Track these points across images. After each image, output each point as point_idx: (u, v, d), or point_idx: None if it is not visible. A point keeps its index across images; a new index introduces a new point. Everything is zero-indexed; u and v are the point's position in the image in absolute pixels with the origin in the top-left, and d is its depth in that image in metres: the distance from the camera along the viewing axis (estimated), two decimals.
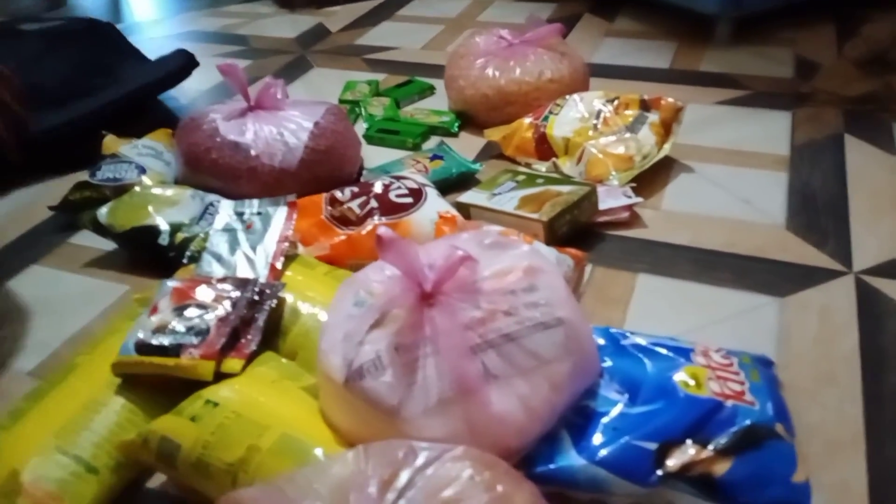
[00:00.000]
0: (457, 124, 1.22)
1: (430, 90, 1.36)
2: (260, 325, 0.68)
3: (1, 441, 0.60)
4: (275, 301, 0.70)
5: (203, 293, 0.70)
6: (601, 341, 0.67)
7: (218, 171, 0.98)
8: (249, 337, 0.67)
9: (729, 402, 0.60)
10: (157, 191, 0.94)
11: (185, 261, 0.86)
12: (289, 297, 0.73)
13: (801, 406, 0.68)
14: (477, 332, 0.57)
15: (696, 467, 0.57)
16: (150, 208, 0.91)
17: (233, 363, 0.64)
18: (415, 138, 1.18)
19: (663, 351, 0.66)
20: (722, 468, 0.57)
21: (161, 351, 0.64)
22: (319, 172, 1.00)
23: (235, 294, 0.70)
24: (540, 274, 0.62)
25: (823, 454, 0.63)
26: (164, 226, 0.89)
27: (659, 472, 0.57)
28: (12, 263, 0.95)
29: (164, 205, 0.92)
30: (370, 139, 1.20)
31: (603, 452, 0.58)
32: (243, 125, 1.00)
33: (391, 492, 0.45)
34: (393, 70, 1.47)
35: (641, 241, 0.92)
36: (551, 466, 0.58)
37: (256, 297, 0.70)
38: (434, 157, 1.09)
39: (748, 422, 0.59)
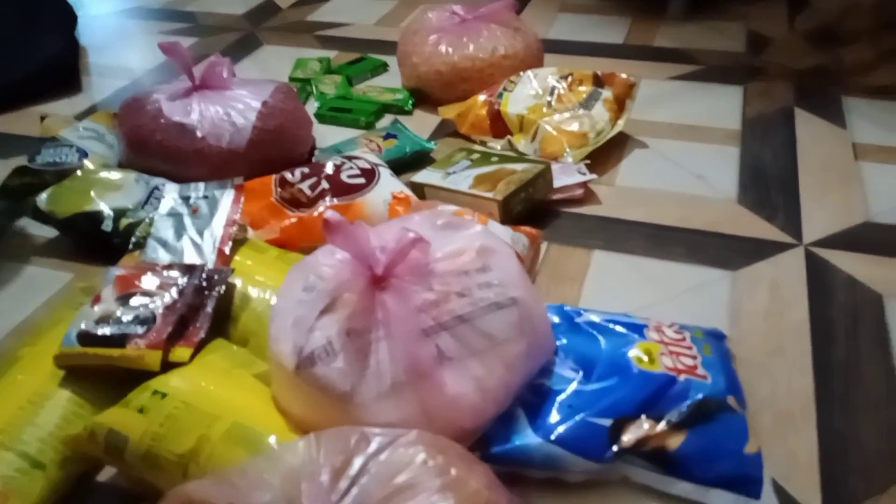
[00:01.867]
0: (411, 102, 1.20)
1: (384, 67, 1.34)
2: (208, 312, 0.66)
3: None
4: (223, 287, 0.69)
5: (148, 281, 0.68)
6: (556, 319, 0.67)
7: (164, 154, 0.95)
8: (198, 325, 0.65)
9: (682, 377, 0.61)
10: (100, 175, 0.90)
11: (130, 247, 0.83)
12: (238, 283, 0.72)
13: (752, 378, 0.69)
14: (430, 315, 0.57)
15: (651, 442, 0.58)
16: (93, 193, 0.87)
17: (181, 352, 0.63)
18: (368, 117, 1.15)
19: (617, 328, 0.66)
20: (675, 442, 0.58)
21: (105, 341, 0.62)
22: (269, 153, 0.98)
23: (182, 281, 0.68)
24: (493, 254, 0.61)
25: (774, 426, 0.65)
26: (107, 211, 0.86)
27: (614, 448, 0.58)
28: None
29: (108, 189, 0.88)
30: (322, 118, 1.18)
31: (559, 430, 0.58)
32: (188, 105, 0.96)
33: (343, 479, 0.44)
34: (345, 47, 1.44)
35: (596, 217, 0.93)
36: (507, 446, 0.58)
37: (204, 284, 0.68)
38: (388, 136, 1.07)
39: (700, 395, 0.60)
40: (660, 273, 0.83)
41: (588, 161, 0.98)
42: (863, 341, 0.73)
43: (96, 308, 0.65)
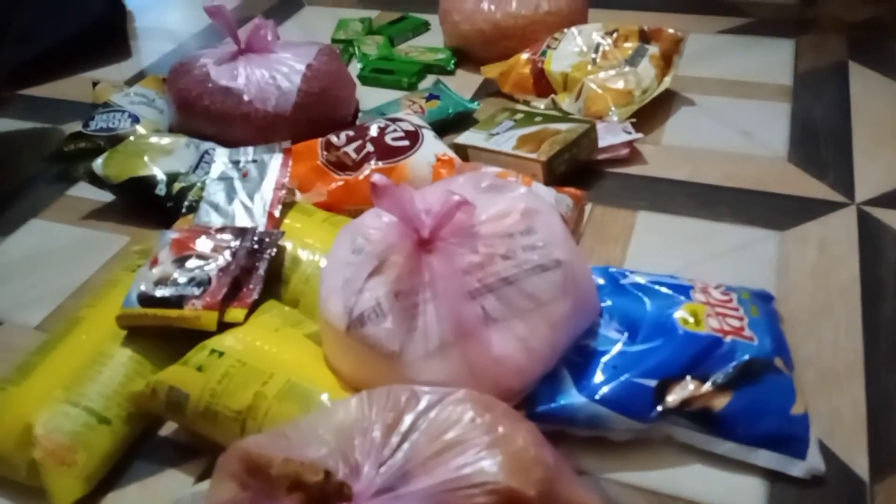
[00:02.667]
0: (453, 62, 1.19)
1: (425, 26, 1.33)
2: (261, 274, 0.68)
3: (12, 396, 0.61)
4: (275, 249, 0.70)
5: (203, 244, 0.70)
6: (600, 281, 0.68)
7: (211, 118, 0.97)
8: (251, 286, 0.67)
9: (728, 338, 0.61)
10: (152, 140, 0.93)
11: (183, 210, 0.85)
12: (288, 245, 0.73)
13: (797, 337, 0.68)
14: (475, 277, 0.58)
15: (696, 402, 0.58)
16: (146, 158, 0.90)
17: (236, 313, 0.65)
18: (410, 77, 1.15)
19: (663, 289, 0.66)
20: (721, 402, 0.58)
21: (164, 302, 0.65)
22: (314, 116, 0.99)
23: (235, 244, 0.70)
24: (537, 216, 0.62)
25: (818, 384, 0.64)
26: (160, 175, 0.88)
27: (658, 409, 0.58)
28: (11, 217, 0.95)
29: (160, 154, 0.91)
30: (365, 80, 1.18)
31: (603, 390, 0.59)
32: (234, 69, 0.98)
33: (395, 435, 0.46)
34: (386, 6, 1.43)
35: (641, 177, 0.92)
36: (553, 405, 0.59)
37: (256, 246, 0.70)
38: (430, 97, 1.07)
39: (747, 357, 0.60)
40: (705, 233, 0.82)
41: (634, 119, 0.97)
42: None
43: (154, 270, 0.68)
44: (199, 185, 0.87)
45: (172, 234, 0.71)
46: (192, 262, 0.68)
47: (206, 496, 0.55)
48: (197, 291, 0.65)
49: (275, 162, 0.81)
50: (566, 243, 0.62)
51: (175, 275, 0.67)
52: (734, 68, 1.13)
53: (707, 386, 0.59)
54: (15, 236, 0.92)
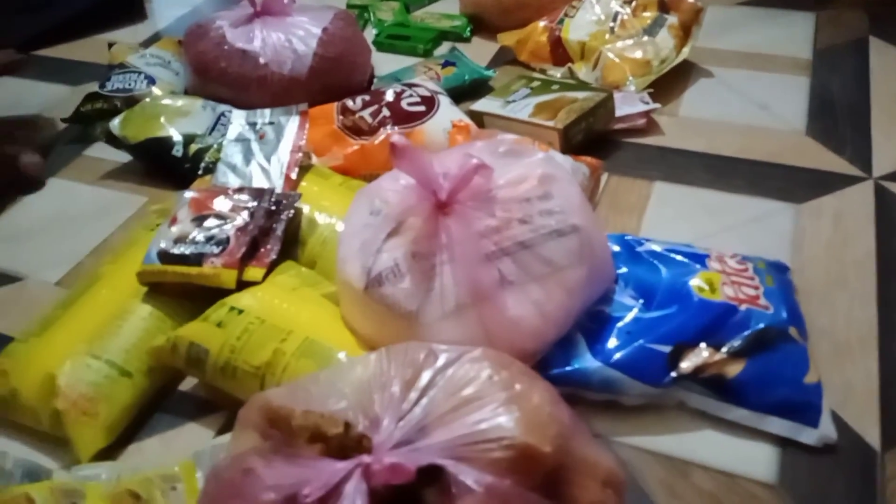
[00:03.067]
0: (469, 29, 1.18)
1: None
2: (279, 235, 0.69)
3: (34, 347, 0.63)
4: (292, 211, 0.71)
5: (221, 204, 0.70)
6: (616, 248, 0.68)
7: (227, 81, 0.97)
8: (269, 246, 0.68)
9: (743, 306, 0.61)
10: (168, 101, 0.93)
11: (200, 172, 0.86)
12: (305, 208, 0.74)
13: (812, 309, 0.68)
14: (492, 240, 0.58)
15: (709, 369, 0.59)
16: (163, 119, 0.90)
17: (254, 272, 0.66)
18: (426, 44, 1.15)
19: (678, 257, 0.66)
20: (734, 370, 0.59)
21: (183, 260, 0.65)
22: (330, 81, 0.99)
23: (252, 204, 0.70)
24: (554, 181, 0.62)
25: (832, 355, 0.65)
26: (177, 136, 0.89)
27: (672, 374, 0.59)
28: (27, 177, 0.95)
29: (176, 115, 0.91)
30: (380, 45, 1.18)
31: (618, 355, 0.59)
32: (251, 32, 0.97)
33: (413, 391, 0.47)
34: None
35: (657, 148, 0.92)
36: (567, 368, 0.60)
37: (273, 208, 0.70)
38: (446, 64, 1.06)
39: (761, 325, 0.60)
40: (721, 204, 0.82)
41: (651, 90, 0.97)
42: None
43: (173, 228, 0.68)
44: (215, 146, 0.87)
45: (191, 194, 0.72)
46: (210, 222, 0.69)
47: (226, 448, 0.56)
48: (216, 250, 0.66)
49: (291, 124, 0.81)
50: (583, 209, 0.62)
51: (194, 233, 0.68)
52: (753, 41, 1.12)
53: (721, 353, 0.59)
54: (34, 195, 0.92)
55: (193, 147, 0.88)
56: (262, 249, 0.68)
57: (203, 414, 0.63)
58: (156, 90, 0.99)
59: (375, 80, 1.07)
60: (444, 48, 1.16)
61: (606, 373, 0.59)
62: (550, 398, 0.47)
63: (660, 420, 0.60)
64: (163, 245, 0.66)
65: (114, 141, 0.90)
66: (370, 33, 1.20)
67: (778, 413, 0.58)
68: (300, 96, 0.94)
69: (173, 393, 0.66)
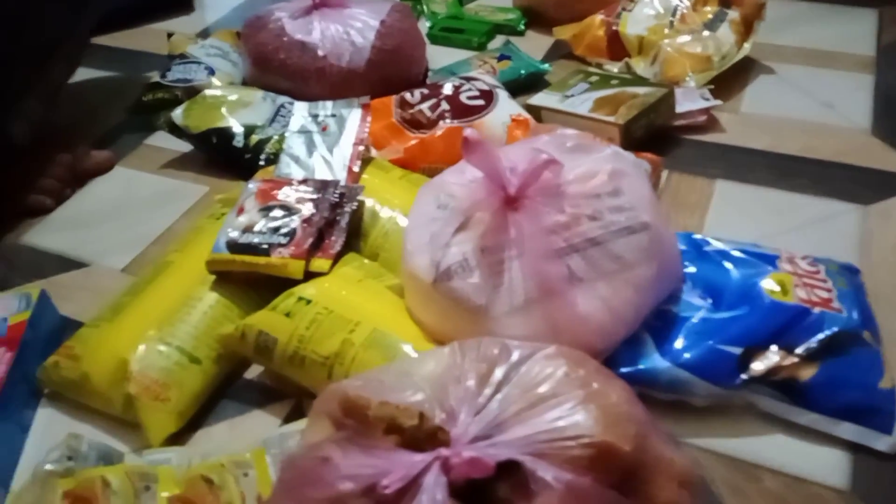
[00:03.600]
0: (523, 22, 1.18)
1: None
2: (343, 227, 0.69)
3: (106, 332, 0.64)
4: (355, 203, 0.71)
5: (286, 195, 0.71)
6: (683, 247, 0.67)
7: (286, 72, 0.98)
8: (333, 238, 0.69)
9: (816, 309, 0.60)
10: (228, 93, 0.94)
11: (261, 163, 0.87)
12: (367, 201, 0.74)
13: (882, 313, 0.67)
14: (561, 237, 0.58)
15: (781, 372, 0.58)
16: (224, 110, 0.91)
17: (320, 263, 0.66)
18: (480, 37, 1.14)
19: (748, 257, 0.65)
20: (807, 373, 0.58)
21: (252, 249, 0.66)
22: (387, 73, 0.99)
23: (317, 196, 0.71)
24: (624, 177, 0.61)
25: None
26: (237, 128, 0.90)
27: (742, 376, 0.58)
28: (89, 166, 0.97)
29: (237, 106, 0.92)
30: (434, 38, 1.18)
31: (686, 355, 0.59)
32: (310, 24, 0.98)
33: (488, 386, 0.47)
34: None
35: (718, 145, 0.90)
36: (635, 368, 0.59)
37: (337, 200, 0.71)
38: (502, 58, 1.06)
39: (835, 328, 0.59)
40: (785, 204, 0.81)
41: (711, 86, 0.95)
42: None
43: (241, 218, 0.69)
44: (275, 137, 0.88)
45: (257, 184, 0.73)
46: (276, 212, 0.69)
47: (294, 436, 0.57)
48: (283, 240, 0.66)
49: (353, 117, 0.81)
50: (653, 206, 0.61)
51: (261, 223, 0.68)
52: (815, 37, 1.10)
53: (793, 356, 0.58)
54: (98, 182, 0.94)
55: (254, 138, 0.89)
56: (328, 241, 0.68)
57: (269, 401, 0.64)
58: (215, 80, 1.00)
59: (430, 74, 1.07)
60: (497, 41, 1.16)
61: (675, 373, 0.59)
62: (627, 396, 0.47)
63: (727, 421, 0.60)
64: (231, 234, 0.67)
65: (176, 131, 0.92)
66: (423, 26, 1.20)
67: (850, 418, 0.57)
68: (358, 88, 0.95)
69: (240, 380, 0.67)
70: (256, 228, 0.68)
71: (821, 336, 0.59)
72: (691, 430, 0.59)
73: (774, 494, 0.55)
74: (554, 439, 0.44)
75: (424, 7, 1.25)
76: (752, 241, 0.73)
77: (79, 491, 0.52)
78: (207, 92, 0.95)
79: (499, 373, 0.48)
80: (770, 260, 0.65)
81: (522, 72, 1.03)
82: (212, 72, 1.01)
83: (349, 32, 0.98)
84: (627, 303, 0.58)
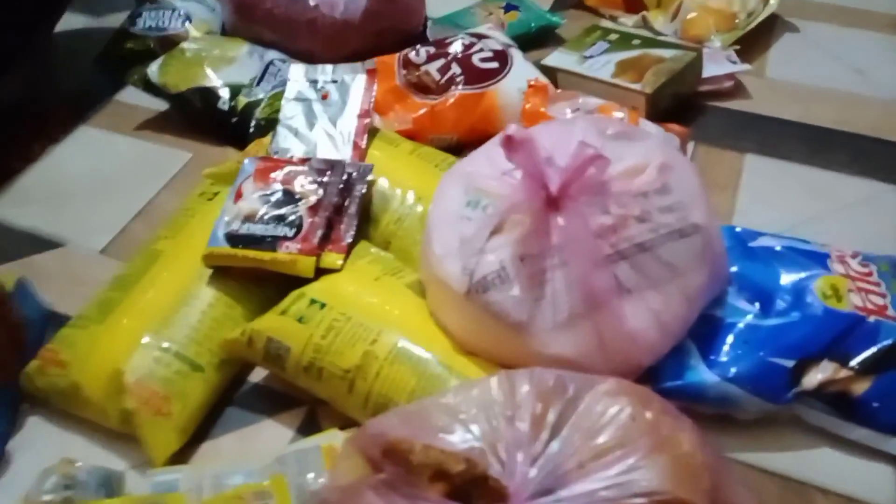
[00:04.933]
0: None
1: None
2: (353, 213, 0.63)
3: (97, 336, 0.57)
4: (365, 186, 0.64)
5: (288, 177, 0.63)
6: (727, 242, 0.62)
7: (273, 24, 0.88)
8: (343, 227, 0.62)
9: (871, 318, 0.56)
10: (210, 46, 0.84)
11: (251, 130, 0.78)
12: (377, 181, 0.67)
13: None
14: (608, 241, 0.52)
15: (834, 386, 0.54)
16: (206, 66, 0.82)
17: (332, 258, 0.60)
18: None
19: (797, 256, 0.61)
20: (861, 387, 0.54)
21: (254, 243, 0.59)
22: (384, 25, 0.90)
23: (323, 179, 0.63)
24: (673, 171, 0.56)
25: None
26: (222, 88, 0.81)
27: (794, 390, 0.54)
28: (59, 122, 0.87)
29: (221, 63, 0.83)
30: None
31: (735, 369, 0.55)
32: None
33: (544, 429, 0.42)
34: None
35: (746, 114, 0.84)
36: (680, 382, 0.55)
37: (345, 183, 0.64)
38: (508, 8, 0.97)
39: (891, 340, 0.55)
40: (822, 183, 0.76)
41: (737, 47, 0.88)
42: None
43: (240, 204, 0.62)
44: (265, 100, 0.79)
45: (253, 164, 0.65)
46: (278, 197, 0.62)
47: (313, 454, 0.52)
48: (290, 233, 0.60)
49: (357, 84, 0.73)
50: (703, 204, 0.56)
51: (262, 210, 0.61)
52: None
53: (847, 369, 0.55)
54: (66, 146, 0.84)
55: (242, 100, 0.80)
56: (337, 231, 0.62)
57: (280, 408, 0.59)
58: (191, 29, 0.89)
59: (430, 24, 0.98)
60: None
61: (724, 387, 0.54)
62: (698, 441, 0.43)
63: (773, 435, 0.56)
64: (231, 226, 0.60)
65: (152, 89, 0.82)
66: None
67: None
68: (353, 42, 0.86)
69: (245, 385, 0.61)
70: (258, 217, 0.61)
71: (876, 348, 0.55)
72: (736, 444, 0.56)
73: None
74: (623, 496, 0.39)
75: None
76: (790, 224, 0.69)
77: None
78: (185, 45, 0.85)
79: (553, 413, 0.43)
80: (821, 259, 0.60)
81: (532, 25, 0.94)
82: (188, 19, 0.90)
83: None
84: (678, 315, 0.54)
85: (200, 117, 0.82)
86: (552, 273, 0.52)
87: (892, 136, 0.81)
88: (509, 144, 0.50)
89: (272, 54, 0.85)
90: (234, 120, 0.80)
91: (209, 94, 0.80)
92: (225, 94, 0.80)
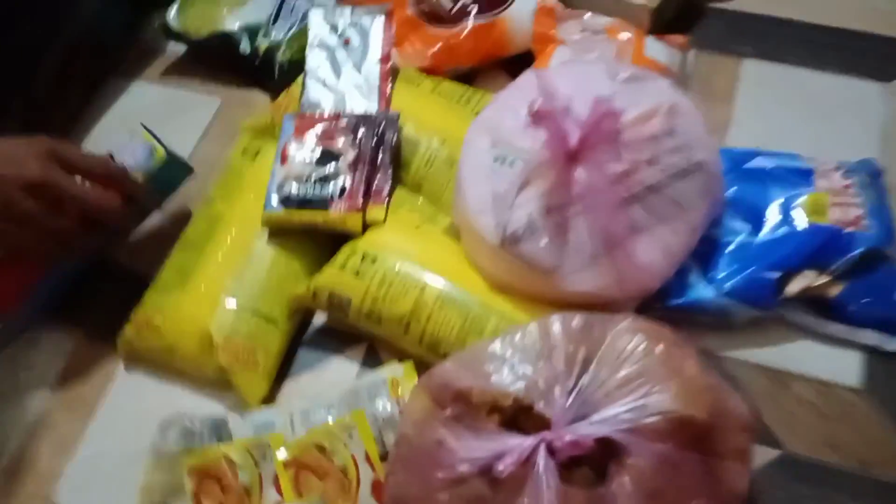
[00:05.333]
0: None
1: None
2: (387, 164, 0.70)
3: (180, 302, 0.66)
4: (395, 135, 0.70)
5: (326, 135, 0.70)
6: (725, 165, 0.69)
7: None
8: (380, 178, 0.69)
9: (848, 229, 0.65)
10: None
11: (275, 75, 0.82)
12: (405, 127, 0.73)
13: None
14: (623, 186, 0.60)
15: (812, 291, 0.64)
16: (223, 8, 0.84)
17: (376, 212, 0.67)
18: None
19: (786, 174, 0.68)
20: (835, 290, 0.64)
21: (307, 203, 0.67)
22: None
23: (358, 134, 0.70)
24: (679, 114, 0.63)
25: None
26: (240, 32, 0.84)
27: (780, 297, 0.64)
28: (83, 73, 0.90)
29: (235, 4, 0.85)
30: None
31: (731, 283, 0.64)
32: None
33: (576, 366, 0.52)
34: None
35: (745, 15, 0.87)
36: (684, 299, 0.65)
37: (379, 135, 0.70)
38: None
39: (863, 248, 0.64)
40: (813, 87, 0.81)
41: None
42: None
43: (287, 167, 0.68)
44: (285, 42, 0.83)
45: (292, 122, 0.71)
46: (320, 156, 0.69)
47: (380, 387, 0.63)
48: (337, 192, 0.67)
49: (376, 27, 0.76)
50: (706, 142, 0.63)
51: (308, 172, 0.68)
52: None
53: (824, 276, 0.64)
54: (99, 97, 0.89)
55: (262, 43, 0.83)
56: (375, 184, 0.69)
57: (344, 346, 0.69)
58: None
59: None
60: None
61: (721, 301, 0.64)
62: (700, 367, 0.53)
63: (762, 334, 0.67)
64: (284, 189, 0.67)
65: (173, 35, 0.85)
66: None
67: (870, 326, 0.65)
68: None
69: (310, 326, 0.71)
70: (307, 178, 0.68)
71: (850, 255, 0.64)
72: (730, 344, 0.66)
73: (805, 400, 0.64)
74: (641, 416, 0.50)
75: None
76: (781, 134, 0.76)
77: (205, 469, 0.58)
78: None
79: (582, 352, 0.53)
80: (807, 176, 0.68)
81: None
82: None
83: None
84: (684, 244, 0.62)
85: (224, 62, 0.86)
86: (574, 220, 0.60)
87: (879, 29, 0.84)
88: (539, 119, 0.56)
89: None
90: (258, 63, 0.84)
91: (230, 40, 0.84)
92: (244, 37, 0.83)
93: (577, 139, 0.59)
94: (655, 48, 0.77)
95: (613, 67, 0.64)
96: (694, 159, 0.61)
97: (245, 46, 0.83)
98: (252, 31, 0.84)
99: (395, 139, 0.70)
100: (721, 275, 0.65)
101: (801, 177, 0.68)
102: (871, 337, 0.65)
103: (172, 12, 0.84)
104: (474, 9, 0.81)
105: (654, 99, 0.62)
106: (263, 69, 0.83)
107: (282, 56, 0.82)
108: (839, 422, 0.63)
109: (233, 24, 0.84)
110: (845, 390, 0.64)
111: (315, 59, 0.76)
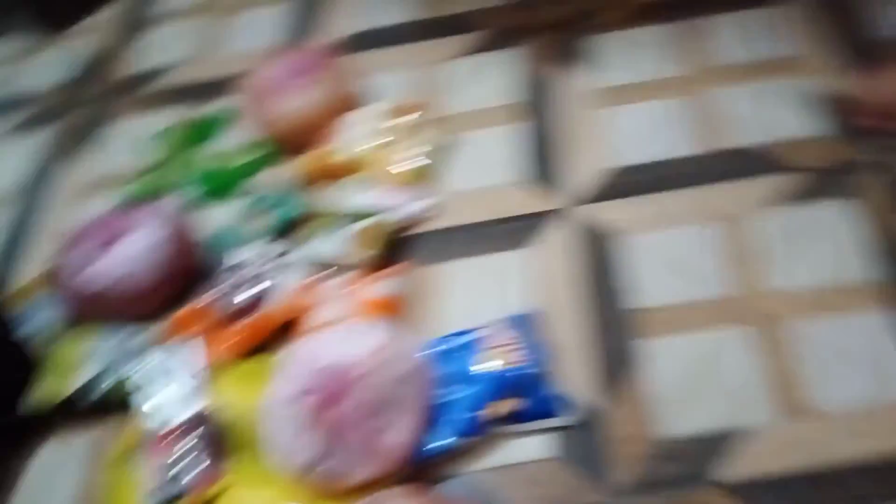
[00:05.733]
0: (268, 157, 1.32)
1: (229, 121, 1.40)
2: (216, 453, 1.02)
3: None
4: (213, 427, 1.03)
5: (172, 450, 1.01)
6: (434, 352, 1.06)
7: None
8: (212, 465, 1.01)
9: (515, 365, 1.01)
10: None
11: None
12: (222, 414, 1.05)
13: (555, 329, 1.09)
14: (364, 408, 0.95)
15: (500, 411, 1.00)
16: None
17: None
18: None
19: (470, 346, 1.05)
20: (515, 406, 1.00)
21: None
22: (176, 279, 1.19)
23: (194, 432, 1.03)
24: (390, 347, 0.99)
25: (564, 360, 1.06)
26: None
27: (482, 424, 1.00)
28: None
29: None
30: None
31: (453, 429, 1.00)
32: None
33: None
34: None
35: (447, 229, 1.18)
36: (427, 451, 0.99)
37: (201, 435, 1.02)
38: (265, 208, 1.26)
39: (522, 374, 1.01)
40: (489, 268, 1.18)
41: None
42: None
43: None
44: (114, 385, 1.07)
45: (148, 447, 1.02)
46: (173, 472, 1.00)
47: None
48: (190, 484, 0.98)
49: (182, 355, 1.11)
50: (412, 352, 1.01)
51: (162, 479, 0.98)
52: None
53: (506, 401, 1.00)
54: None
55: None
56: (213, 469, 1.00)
57: None
58: None
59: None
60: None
61: (453, 442, 0.99)
62: None
63: (487, 448, 1.01)
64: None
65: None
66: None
67: (539, 418, 1.01)
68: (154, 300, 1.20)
69: None
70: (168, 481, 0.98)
71: (517, 383, 1.01)
72: (467, 463, 1.00)
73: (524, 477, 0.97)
74: None
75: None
76: (479, 306, 1.13)
77: None
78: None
79: None
80: (482, 340, 1.05)
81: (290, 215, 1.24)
82: None
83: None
84: (418, 420, 0.98)
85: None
86: (339, 441, 0.95)
87: (517, 211, 1.22)
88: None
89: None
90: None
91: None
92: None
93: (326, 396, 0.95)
94: (378, 286, 1.15)
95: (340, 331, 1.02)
96: (406, 369, 0.98)
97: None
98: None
99: (213, 429, 1.02)
100: (446, 428, 1.00)
101: (478, 342, 1.06)
102: (542, 425, 1.01)
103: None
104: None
105: (370, 344, 0.99)
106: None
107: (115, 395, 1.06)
108: (550, 483, 0.96)
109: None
110: (546, 461, 0.99)
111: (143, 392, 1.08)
